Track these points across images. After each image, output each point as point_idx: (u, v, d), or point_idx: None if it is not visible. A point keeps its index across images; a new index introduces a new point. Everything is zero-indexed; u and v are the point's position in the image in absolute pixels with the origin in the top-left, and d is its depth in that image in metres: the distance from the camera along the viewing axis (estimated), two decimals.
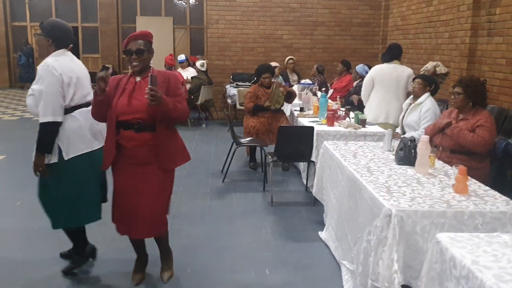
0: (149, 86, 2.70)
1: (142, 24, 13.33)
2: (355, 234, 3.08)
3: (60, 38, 3.10)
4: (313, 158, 4.78)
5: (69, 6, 14.77)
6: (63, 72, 2.97)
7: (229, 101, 9.09)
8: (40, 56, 3.16)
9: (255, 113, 5.86)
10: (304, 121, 5.34)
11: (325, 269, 3.46)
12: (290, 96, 5.93)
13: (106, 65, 12.45)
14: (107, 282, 3.24)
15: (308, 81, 7.92)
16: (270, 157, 4.90)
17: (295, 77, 9.20)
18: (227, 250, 3.70)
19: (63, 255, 3.49)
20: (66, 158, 2.99)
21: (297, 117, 5.71)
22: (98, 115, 2.97)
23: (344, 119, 5.19)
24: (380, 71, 5.55)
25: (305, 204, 4.81)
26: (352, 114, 5.33)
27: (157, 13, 14.36)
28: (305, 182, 5.22)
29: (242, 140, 5.62)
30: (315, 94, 6.64)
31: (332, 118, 5.00)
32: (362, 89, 5.69)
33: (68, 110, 3.02)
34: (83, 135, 3.08)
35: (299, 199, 4.97)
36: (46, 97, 2.91)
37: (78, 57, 16.00)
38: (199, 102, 9.04)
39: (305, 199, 4.96)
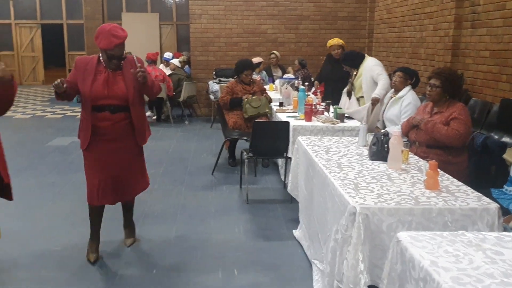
0: (138, 66, 3.13)
1: (128, 20, 13.15)
2: (325, 233, 2.95)
3: None
4: (289, 154, 4.64)
5: (54, 3, 14.55)
6: None
7: (211, 97, 8.93)
8: None
9: (232, 108, 5.71)
10: (282, 116, 5.20)
11: (296, 269, 3.32)
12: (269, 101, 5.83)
13: None
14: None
15: (290, 75, 7.78)
16: (245, 153, 4.76)
17: (279, 73, 9.05)
18: (196, 250, 3.56)
19: None
20: None
21: (276, 112, 5.57)
22: (63, 100, 3.25)
23: (323, 113, 5.06)
24: None
25: (281, 201, 4.67)
26: (331, 109, 5.19)
27: (143, 9, 14.17)
28: (283, 179, 5.08)
29: (232, 134, 5.53)
30: (297, 89, 6.50)
31: (309, 113, 4.87)
32: (386, 77, 5.31)
33: None
34: None
35: (276, 196, 4.83)
36: None
37: (63, 54, 15.77)
38: (181, 99, 8.88)
39: (282, 196, 4.82)
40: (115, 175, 3.30)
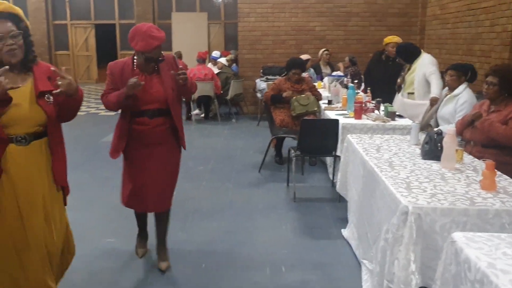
0: (180, 67, 2.97)
1: (177, 20, 13.41)
2: (375, 232, 2.91)
3: None
4: (338, 153, 4.60)
5: (107, 3, 15.03)
6: None
7: (258, 95, 8.98)
8: None
9: (274, 103, 5.71)
10: (331, 114, 5.16)
11: (344, 268, 3.29)
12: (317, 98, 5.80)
13: None
14: None
15: (339, 73, 7.69)
16: (293, 151, 4.75)
17: (329, 70, 8.96)
18: (243, 246, 3.60)
19: None
20: None
21: (325, 110, 5.53)
22: (115, 109, 3.08)
23: (373, 111, 4.98)
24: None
25: (329, 200, 4.64)
26: (382, 107, 5.10)
27: (192, 9, 14.40)
28: (331, 177, 5.05)
29: (279, 131, 5.54)
30: (346, 87, 6.42)
31: (359, 111, 4.80)
32: (438, 77, 5.18)
33: None
34: None
35: (324, 195, 4.80)
36: None
37: (115, 54, 16.22)
38: (228, 97, 8.98)
39: (330, 195, 4.78)
40: (149, 182, 3.10)
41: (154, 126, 3.03)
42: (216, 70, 9.25)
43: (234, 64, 10.14)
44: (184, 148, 3.25)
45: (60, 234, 2.51)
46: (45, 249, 2.40)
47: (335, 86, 6.09)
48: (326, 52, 8.75)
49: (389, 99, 5.68)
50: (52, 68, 2.38)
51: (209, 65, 9.74)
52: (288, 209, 4.38)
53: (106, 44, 16.96)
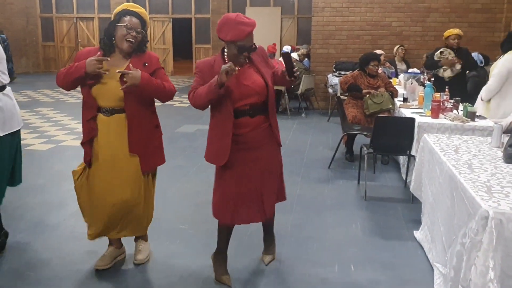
0: (285, 68, 2.74)
1: (251, 14, 13.55)
2: (450, 236, 2.81)
3: None
4: (413, 152, 4.47)
5: None
6: None
7: (330, 90, 8.89)
8: None
9: (349, 91, 5.64)
10: (407, 112, 5.01)
11: (416, 270, 3.21)
12: (392, 96, 5.68)
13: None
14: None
15: (416, 70, 7.44)
16: (365, 148, 4.67)
17: (404, 66, 8.71)
18: (312, 242, 3.60)
19: None
20: (1, 135, 3.09)
21: (400, 107, 5.38)
22: (205, 103, 2.76)
23: (451, 111, 4.78)
24: None
25: (402, 200, 4.52)
26: (461, 106, 4.89)
27: (266, 3, 14.49)
28: (404, 177, 4.92)
29: (351, 128, 5.50)
30: (422, 84, 6.21)
31: (437, 110, 4.63)
32: (494, 81, 4.92)
33: (1, 88, 3.11)
34: (15, 113, 3.20)
35: (396, 195, 4.69)
36: None
37: (190, 47, 16.69)
38: (299, 91, 8.97)
39: (402, 195, 4.67)
40: (254, 188, 2.88)
41: (256, 127, 2.81)
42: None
43: (306, 59, 10.10)
44: (280, 146, 3.04)
45: (132, 190, 2.96)
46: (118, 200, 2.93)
47: (411, 83, 5.90)
48: (401, 48, 8.50)
49: (456, 94, 5.40)
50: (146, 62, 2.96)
51: (280, 59, 9.76)
52: (358, 207, 4.33)
53: (182, 38, 17.52)
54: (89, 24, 16.47)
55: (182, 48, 18.00)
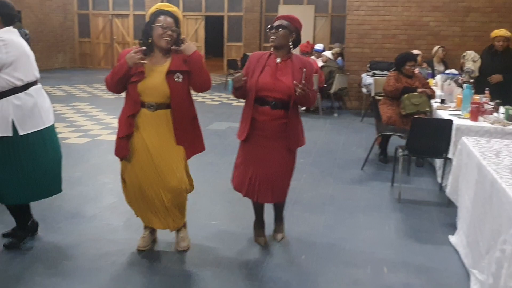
0: (303, 83, 3.00)
1: (284, 12, 13.45)
2: (488, 242, 2.74)
3: (10, 15, 3.17)
4: (450, 155, 4.38)
5: None
6: (17, 47, 3.09)
7: (364, 90, 8.78)
8: None
9: (402, 94, 5.48)
10: (444, 114, 4.91)
11: (451, 275, 3.14)
12: (430, 97, 5.55)
13: (247, 53, 12.88)
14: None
15: (453, 71, 7.26)
16: (401, 150, 4.60)
17: (442, 68, 8.50)
18: (344, 242, 3.57)
19: (5, 235, 3.46)
20: (21, 134, 3.10)
21: (437, 109, 5.27)
22: (239, 97, 3.30)
23: (491, 114, 4.65)
24: None
25: (437, 204, 4.43)
26: (502, 109, 4.75)
27: (299, 1, 14.45)
28: (439, 181, 4.81)
29: (386, 129, 5.42)
30: (460, 86, 6.06)
31: (476, 112, 4.52)
32: None
33: (24, 87, 3.10)
34: (37, 112, 3.18)
35: (430, 198, 4.59)
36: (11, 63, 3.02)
37: (221, 45, 16.76)
38: (332, 91, 8.89)
39: (438, 199, 4.57)
40: (266, 173, 3.24)
41: (273, 119, 3.16)
42: (320, 63, 9.19)
43: (340, 58, 10.01)
44: (291, 147, 3.29)
45: (178, 179, 3.14)
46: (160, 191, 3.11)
47: (449, 84, 5.78)
48: (441, 49, 8.31)
49: (501, 97, 5.25)
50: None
51: (312, 57, 9.71)
52: (392, 209, 4.26)
53: (214, 35, 17.63)
54: (124, 21, 16.77)
55: (214, 46, 18.10)
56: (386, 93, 5.67)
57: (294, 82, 3.04)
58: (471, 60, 6.49)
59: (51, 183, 3.33)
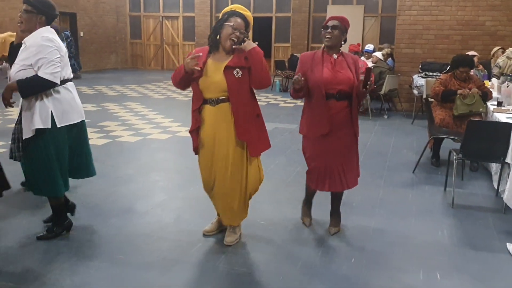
0: (371, 80, 3.26)
1: (333, 12, 13.26)
2: None
3: (53, 16, 3.31)
4: (508, 160, 4.19)
5: None
6: (61, 46, 3.25)
7: (415, 91, 8.56)
8: (23, 31, 3.28)
9: (444, 100, 5.36)
10: (501, 117, 4.72)
11: (509, 285, 3.01)
12: (485, 97, 5.34)
13: (294, 54, 12.86)
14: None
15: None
16: (455, 154, 4.45)
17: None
18: (395, 247, 3.49)
19: (46, 221, 3.68)
20: (58, 126, 3.21)
21: (493, 112, 5.07)
22: (298, 98, 3.53)
23: None
24: None
25: (493, 210, 4.25)
26: None
27: (348, 2, 14.29)
28: (495, 186, 4.63)
29: (438, 131, 5.28)
30: None
31: None
32: None
33: (62, 82, 3.24)
34: (75, 106, 3.33)
35: (486, 204, 4.42)
36: (49, 61, 3.11)
37: (269, 46, 16.82)
38: (382, 92, 8.72)
39: (494, 205, 4.39)
40: (332, 163, 3.47)
41: (340, 110, 3.38)
42: (370, 64, 9.05)
43: (390, 59, 9.82)
44: (357, 135, 3.53)
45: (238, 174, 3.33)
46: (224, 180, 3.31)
47: (507, 86, 5.54)
48: (501, 50, 7.98)
49: None
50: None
51: (362, 58, 9.57)
52: (445, 214, 4.13)
53: (261, 36, 17.67)
54: (174, 23, 17.14)
55: (262, 47, 17.89)
56: (431, 97, 5.54)
57: (369, 82, 3.25)
58: (506, 56, 6.25)
59: (87, 171, 3.56)
